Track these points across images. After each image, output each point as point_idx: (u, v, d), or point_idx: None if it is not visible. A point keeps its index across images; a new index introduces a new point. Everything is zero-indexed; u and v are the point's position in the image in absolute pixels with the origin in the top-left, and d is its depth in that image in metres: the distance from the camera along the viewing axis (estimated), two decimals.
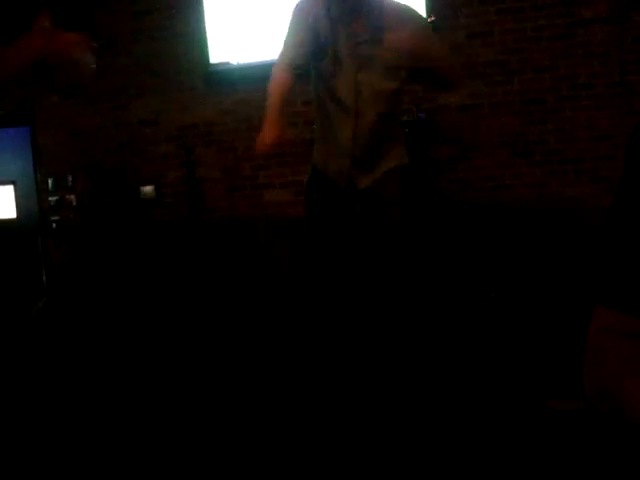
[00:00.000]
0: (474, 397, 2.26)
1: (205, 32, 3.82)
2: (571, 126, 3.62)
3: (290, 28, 2.35)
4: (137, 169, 4.04)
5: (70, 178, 4.13)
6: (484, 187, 3.69)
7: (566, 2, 3.56)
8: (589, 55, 3.57)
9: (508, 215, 3.58)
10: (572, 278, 2.94)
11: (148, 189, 3.99)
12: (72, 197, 4.14)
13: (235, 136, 3.93)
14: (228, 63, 3.82)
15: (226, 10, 3.80)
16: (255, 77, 3.77)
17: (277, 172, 3.92)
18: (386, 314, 2.46)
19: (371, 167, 2.40)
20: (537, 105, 3.64)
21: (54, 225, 4.14)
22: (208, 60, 3.86)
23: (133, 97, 4.07)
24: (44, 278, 3.96)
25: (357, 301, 2.63)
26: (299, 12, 2.34)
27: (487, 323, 2.88)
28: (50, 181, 4.11)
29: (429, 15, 3.56)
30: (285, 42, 2.34)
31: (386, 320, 2.47)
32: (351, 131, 2.37)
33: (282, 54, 2.33)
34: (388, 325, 2.46)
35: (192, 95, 3.98)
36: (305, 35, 2.33)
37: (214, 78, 3.88)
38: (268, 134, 2.16)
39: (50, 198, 4.12)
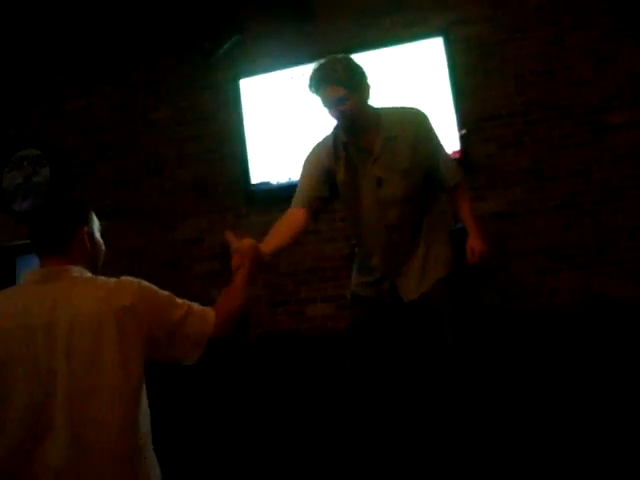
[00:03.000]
0: None
1: (247, 153, 4.02)
2: (609, 228, 3.62)
3: (303, 172, 2.39)
4: (183, 287, 4.14)
5: None
6: (525, 294, 3.66)
7: (591, 111, 3.69)
8: (618, 159, 3.64)
9: (552, 321, 3.52)
10: (631, 383, 2.84)
11: None
12: None
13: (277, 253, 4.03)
14: (268, 183, 3.98)
15: (266, 131, 4.02)
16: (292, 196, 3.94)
17: (319, 287, 3.98)
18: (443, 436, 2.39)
19: (416, 278, 2.34)
20: (573, 209, 3.67)
21: None
22: (249, 180, 4.02)
23: (180, 218, 4.26)
24: None
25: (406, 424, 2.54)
26: (312, 156, 2.39)
27: (538, 434, 2.76)
28: None
29: (460, 129, 3.71)
30: (299, 186, 2.37)
31: (442, 442, 2.38)
32: (384, 248, 2.34)
33: (296, 197, 2.35)
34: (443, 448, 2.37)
35: (235, 214, 4.14)
36: (319, 176, 2.35)
37: (255, 197, 4.02)
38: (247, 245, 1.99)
39: None
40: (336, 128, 2.36)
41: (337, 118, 2.22)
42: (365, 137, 2.28)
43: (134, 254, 4.28)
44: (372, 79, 2.27)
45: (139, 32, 4.42)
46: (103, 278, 1.55)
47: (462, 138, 3.73)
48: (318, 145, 2.40)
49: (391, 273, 2.37)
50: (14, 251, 4.57)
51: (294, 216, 2.31)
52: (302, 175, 2.39)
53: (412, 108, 2.38)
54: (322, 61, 2.20)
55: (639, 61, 3.66)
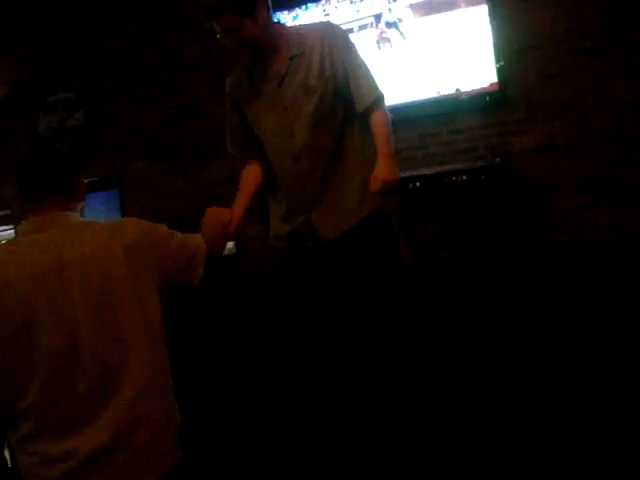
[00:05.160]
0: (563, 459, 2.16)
1: None
2: None
3: (227, 118, 2.25)
4: None
5: None
6: (565, 229, 3.59)
7: None
8: None
9: (591, 257, 3.46)
10: None
11: (229, 245, 4.11)
12: None
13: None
14: None
15: None
16: None
17: None
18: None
19: (334, 213, 2.14)
20: (616, 143, 3.54)
21: None
22: None
23: (214, 157, 4.25)
24: None
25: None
26: (226, 95, 2.22)
27: (576, 373, 2.75)
28: None
29: (498, 60, 3.57)
30: (230, 133, 2.25)
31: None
32: (295, 181, 2.13)
33: (228, 140, 2.25)
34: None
35: None
36: (234, 117, 2.21)
37: None
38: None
39: None
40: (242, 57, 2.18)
41: (236, 48, 2.04)
42: (271, 60, 2.09)
43: (171, 194, 4.33)
44: None
45: None
46: (100, 221, 1.55)
47: (499, 70, 3.58)
48: (228, 82, 2.23)
49: (305, 209, 2.15)
50: None
51: (255, 171, 2.21)
52: (227, 122, 2.26)
53: (324, 22, 2.20)
54: None
55: None
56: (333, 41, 2.09)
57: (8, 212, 4.39)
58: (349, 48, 2.12)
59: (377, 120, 2.12)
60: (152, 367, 1.45)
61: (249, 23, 1.97)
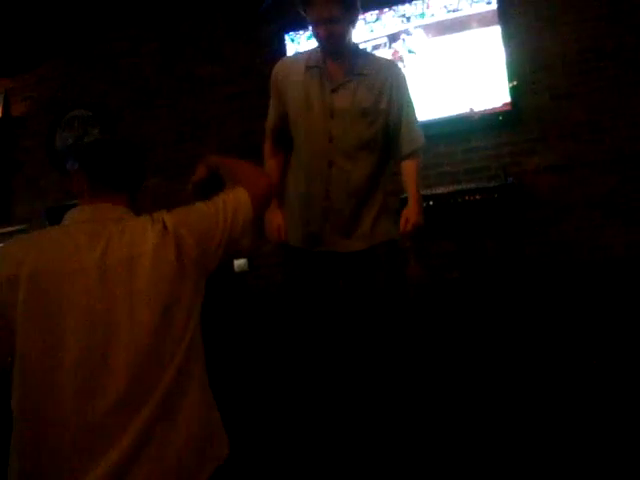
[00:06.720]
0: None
1: None
2: None
3: (272, 96, 2.30)
4: None
5: None
6: (579, 249, 3.58)
7: None
8: None
9: (605, 276, 3.44)
10: None
11: (241, 263, 4.14)
12: None
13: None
14: None
15: None
16: None
17: None
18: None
19: (356, 231, 2.20)
20: (629, 162, 3.54)
21: None
22: None
23: None
24: None
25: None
26: (273, 76, 2.27)
27: (589, 392, 2.73)
28: None
29: (511, 80, 3.59)
30: (271, 111, 2.31)
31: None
32: (325, 184, 2.16)
33: (268, 119, 2.32)
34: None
35: None
36: (276, 99, 2.26)
37: None
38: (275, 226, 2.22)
39: None
40: (310, 52, 2.22)
41: (323, 38, 2.06)
42: (334, 64, 2.14)
43: None
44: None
45: None
46: (145, 217, 1.41)
47: (512, 89, 3.61)
48: (279, 64, 2.27)
49: (323, 215, 2.20)
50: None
51: (270, 154, 2.33)
52: (272, 101, 2.31)
53: (393, 61, 2.37)
54: None
55: None
56: (397, 82, 2.19)
57: (24, 227, 4.46)
58: (407, 93, 2.24)
59: (414, 165, 2.26)
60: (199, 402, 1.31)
61: (347, 20, 2.05)
